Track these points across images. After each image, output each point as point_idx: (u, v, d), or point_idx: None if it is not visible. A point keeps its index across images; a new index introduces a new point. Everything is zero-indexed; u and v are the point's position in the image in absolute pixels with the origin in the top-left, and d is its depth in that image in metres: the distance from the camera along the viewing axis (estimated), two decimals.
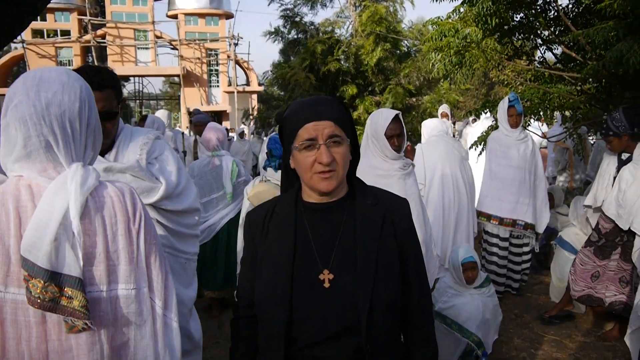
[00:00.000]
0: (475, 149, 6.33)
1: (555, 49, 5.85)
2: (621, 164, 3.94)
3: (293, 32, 15.91)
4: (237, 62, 29.23)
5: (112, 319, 1.30)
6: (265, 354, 1.47)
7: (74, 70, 1.96)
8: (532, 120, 6.25)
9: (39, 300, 1.18)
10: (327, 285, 1.39)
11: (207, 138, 4.42)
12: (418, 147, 4.98)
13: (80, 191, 1.24)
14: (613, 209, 3.79)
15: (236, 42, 27.99)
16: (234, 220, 4.36)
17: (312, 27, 15.85)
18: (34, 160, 1.28)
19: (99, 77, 2.00)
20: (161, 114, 6.54)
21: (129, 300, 1.31)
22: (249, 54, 35.38)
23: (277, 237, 1.46)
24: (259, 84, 26.96)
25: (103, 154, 2.07)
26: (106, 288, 1.28)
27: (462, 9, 5.52)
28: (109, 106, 2.02)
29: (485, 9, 4.68)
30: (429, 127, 5.11)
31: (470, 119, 9.18)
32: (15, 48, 27.46)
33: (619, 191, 3.75)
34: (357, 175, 1.57)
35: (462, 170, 4.81)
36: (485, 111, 6.44)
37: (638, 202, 3.59)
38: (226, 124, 26.18)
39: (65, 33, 27.93)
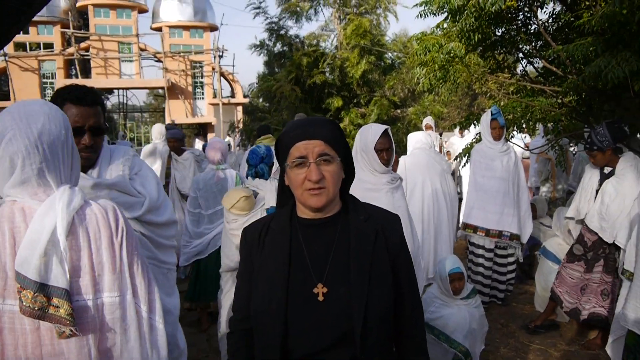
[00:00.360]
0: (460, 161, 6.43)
1: (536, 62, 5.98)
2: (603, 177, 3.99)
3: (278, 45, 16.03)
4: (222, 75, 29.18)
5: (99, 325, 1.43)
6: None
7: (60, 88, 2.07)
8: (515, 132, 6.37)
9: (29, 309, 1.31)
10: (321, 298, 1.43)
11: (211, 155, 4.58)
12: (401, 159, 5.07)
13: (66, 211, 1.38)
14: (596, 222, 3.85)
15: (221, 54, 27.93)
16: None
17: (298, 40, 15.98)
18: (27, 186, 1.42)
19: (91, 94, 2.10)
20: (158, 127, 6.56)
21: (114, 307, 1.44)
22: (233, 66, 35.21)
23: (273, 252, 1.50)
24: (244, 96, 26.95)
25: (87, 170, 2.14)
26: (92, 297, 1.41)
27: (445, 25, 5.63)
28: (99, 122, 2.11)
29: (468, 25, 4.78)
30: (413, 140, 5.22)
31: (457, 130, 9.34)
32: None
33: (602, 205, 3.81)
34: None
35: (442, 182, 4.92)
36: (472, 124, 6.55)
37: (621, 216, 3.66)
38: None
39: (48, 46, 27.65)
